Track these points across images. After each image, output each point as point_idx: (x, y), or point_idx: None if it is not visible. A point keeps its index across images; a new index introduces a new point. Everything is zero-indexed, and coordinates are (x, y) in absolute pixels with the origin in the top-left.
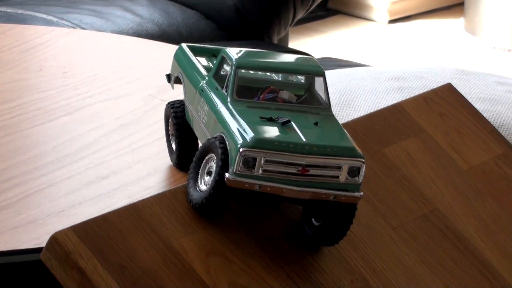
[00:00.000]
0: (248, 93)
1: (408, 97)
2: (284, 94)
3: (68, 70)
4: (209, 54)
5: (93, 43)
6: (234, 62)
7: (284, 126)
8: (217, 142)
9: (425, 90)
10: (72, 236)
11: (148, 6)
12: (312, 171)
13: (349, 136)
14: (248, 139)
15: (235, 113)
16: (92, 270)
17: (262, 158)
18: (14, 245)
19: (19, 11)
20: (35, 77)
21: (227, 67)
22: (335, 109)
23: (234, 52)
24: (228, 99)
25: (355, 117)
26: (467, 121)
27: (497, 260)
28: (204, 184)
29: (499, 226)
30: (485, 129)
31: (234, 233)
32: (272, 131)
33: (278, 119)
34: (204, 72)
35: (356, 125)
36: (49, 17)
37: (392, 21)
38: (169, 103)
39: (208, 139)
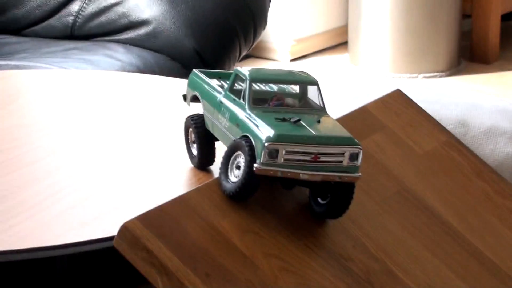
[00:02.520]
0: (260, 101)
1: (361, 103)
2: (289, 101)
3: (90, 102)
4: (216, 77)
5: (101, 79)
6: (248, 77)
7: (295, 124)
8: (243, 142)
9: (372, 97)
10: (138, 224)
11: (126, 53)
12: (322, 158)
13: (345, 129)
14: (271, 135)
15: (254, 117)
16: (158, 250)
17: (283, 149)
18: (86, 236)
19: (25, 63)
20: (65, 109)
21: (240, 82)
22: None
23: (246, 70)
24: (246, 107)
25: None
26: (416, 117)
27: (456, 222)
28: (234, 176)
29: (454, 195)
30: (430, 122)
31: (260, 214)
32: (287, 128)
33: (290, 119)
34: (219, 89)
35: None
36: (51, 66)
37: (293, 60)
38: (189, 116)
39: (234, 140)
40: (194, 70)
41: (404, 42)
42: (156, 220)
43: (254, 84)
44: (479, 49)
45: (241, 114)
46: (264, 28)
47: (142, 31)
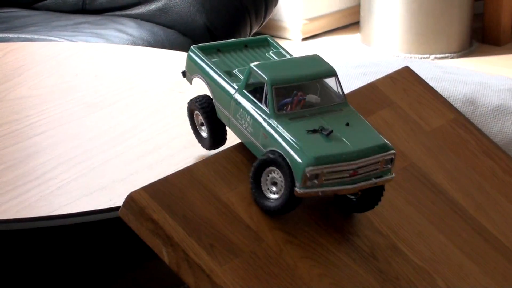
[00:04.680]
0: (281, 96)
1: (370, 79)
2: (311, 98)
3: (98, 74)
4: (214, 50)
5: (111, 52)
6: (268, 82)
7: (329, 136)
8: (280, 160)
9: (381, 74)
10: (144, 195)
11: (137, 28)
12: (359, 171)
13: (375, 131)
14: (309, 159)
15: (283, 130)
16: (163, 220)
17: (323, 172)
18: (93, 206)
19: (35, 36)
20: (74, 80)
21: (254, 80)
22: None
23: (263, 71)
24: (272, 115)
25: None
26: (424, 94)
27: (462, 199)
28: (272, 193)
29: (460, 173)
30: (438, 100)
31: None
32: (323, 145)
33: (322, 131)
34: (229, 80)
35: None
36: (61, 40)
37: (305, 39)
38: (192, 100)
39: (266, 155)
40: (192, 47)
41: (416, 22)
42: (162, 191)
43: (276, 87)
44: (491, 31)
45: (266, 122)
46: (275, 5)
47: (153, 6)
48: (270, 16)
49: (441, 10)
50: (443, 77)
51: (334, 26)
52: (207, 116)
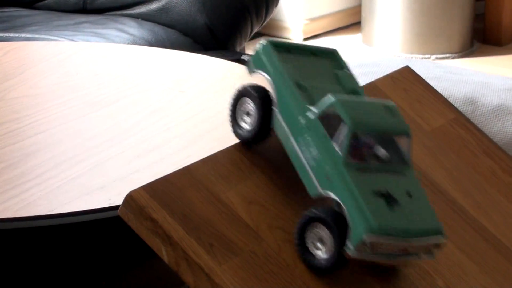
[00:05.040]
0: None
1: (370, 79)
2: (380, 152)
3: (99, 73)
4: (285, 50)
5: (111, 52)
6: (351, 126)
7: (391, 204)
8: (329, 220)
9: (381, 74)
10: (144, 194)
11: (138, 28)
12: (409, 249)
13: (432, 208)
14: (372, 227)
15: (350, 181)
16: (163, 220)
17: (380, 243)
18: (93, 205)
19: (36, 36)
20: (74, 79)
21: (334, 115)
22: None
23: (347, 111)
24: (343, 161)
25: None
26: (424, 94)
27: (462, 199)
28: (317, 249)
29: (460, 173)
30: (438, 99)
31: (266, 186)
32: (386, 214)
33: (388, 197)
34: (302, 101)
35: None
36: (62, 39)
37: (306, 39)
38: (248, 86)
39: (317, 212)
40: (268, 41)
41: (417, 23)
42: (162, 190)
43: (354, 134)
44: (492, 31)
45: (334, 167)
46: (276, 5)
47: (154, 5)
48: (271, 16)
49: (442, 10)
50: (444, 76)
51: (335, 26)
52: (262, 108)
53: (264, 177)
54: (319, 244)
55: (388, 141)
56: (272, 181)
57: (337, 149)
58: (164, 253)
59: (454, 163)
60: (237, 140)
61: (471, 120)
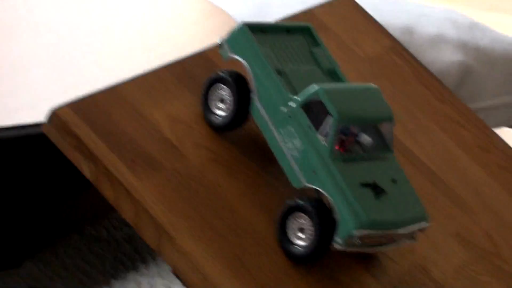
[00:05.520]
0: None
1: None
2: (365, 140)
3: None
4: (259, 31)
5: None
6: (336, 117)
7: (380, 196)
8: (310, 209)
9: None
10: (68, 111)
11: None
12: (396, 238)
13: (416, 194)
14: (362, 222)
15: (339, 176)
16: (86, 136)
17: (369, 235)
18: (16, 121)
19: None
20: None
21: (318, 104)
22: (251, 19)
23: (333, 102)
24: (328, 154)
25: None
26: (362, 22)
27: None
28: (298, 239)
29: (393, 99)
30: (376, 28)
31: (194, 107)
32: (374, 206)
33: (375, 188)
34: (283, 90)
35: None
36: None
37: None
38: (221, 71)
39: (296, 201)
40: (243, 25)
41: None
42: (86, 107)
43: (341, 126)
44: None
45: (320, 159)
46: None
47: None
48: None
49: None
50: (382, 5)
51: None
52: (238, 95)
53: (193, 98)
54: (300, 234)
55: (371, 127)
56: (200, 102)
57: (322, 141)
58: (86, 169)
59: (387, 89)
60: (168, 60)
61: (408, 48)
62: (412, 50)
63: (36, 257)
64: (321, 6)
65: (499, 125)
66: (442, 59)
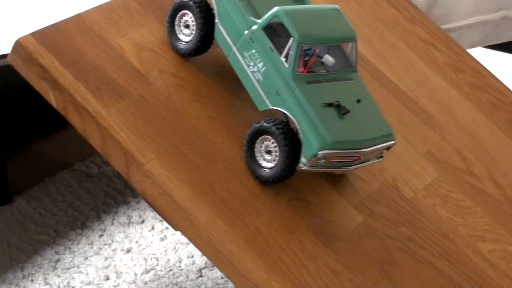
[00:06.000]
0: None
1: None
2: (328, 61)
3: None
4: None
5: None
6: (297, 38)
7: (344, 116)
8: (275, 130)
9: None
10: (32, 40)
11: None
12: (363, 157)
13: (381, 113)
14: (325, 143)
15: (302, 97)
16: (51, 65)
17: (333, 155)
18: None
19: None
20: None
21: (279, 26)
22: None
23: (293, 22)
24: (291, 75)
25: None
26: None
27: (362, 46)
28: (266, 161)
29: (362, 21)
30: None
31: (159, 34)
32: (338, 127)
33: (339, 107)
34: (247, 15)
35: None
36: None
37: None
38: None
39: (267, 126)
40: None
41: None
42: (51, 36)
43: (302, 47)
44: None
45: (283, 81)
46: None
47: None
48: None
49: None
50: None
51: None
52: (203, 21)
53: (158, 25)
54: (267, 156)
55: (334, 47)
56: (166, 29)
57: (284, 62)
58: (52, 98)
59: (356, 12)
60: None
61: None
62: None
63: (27, 194)
64: None
65: (474, 45)
66: None
